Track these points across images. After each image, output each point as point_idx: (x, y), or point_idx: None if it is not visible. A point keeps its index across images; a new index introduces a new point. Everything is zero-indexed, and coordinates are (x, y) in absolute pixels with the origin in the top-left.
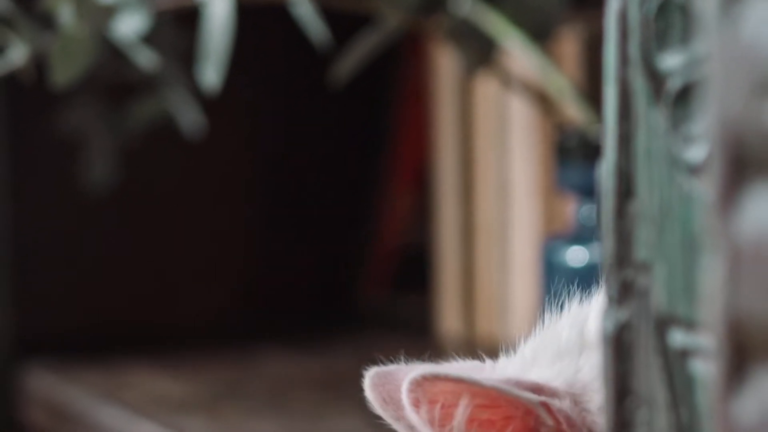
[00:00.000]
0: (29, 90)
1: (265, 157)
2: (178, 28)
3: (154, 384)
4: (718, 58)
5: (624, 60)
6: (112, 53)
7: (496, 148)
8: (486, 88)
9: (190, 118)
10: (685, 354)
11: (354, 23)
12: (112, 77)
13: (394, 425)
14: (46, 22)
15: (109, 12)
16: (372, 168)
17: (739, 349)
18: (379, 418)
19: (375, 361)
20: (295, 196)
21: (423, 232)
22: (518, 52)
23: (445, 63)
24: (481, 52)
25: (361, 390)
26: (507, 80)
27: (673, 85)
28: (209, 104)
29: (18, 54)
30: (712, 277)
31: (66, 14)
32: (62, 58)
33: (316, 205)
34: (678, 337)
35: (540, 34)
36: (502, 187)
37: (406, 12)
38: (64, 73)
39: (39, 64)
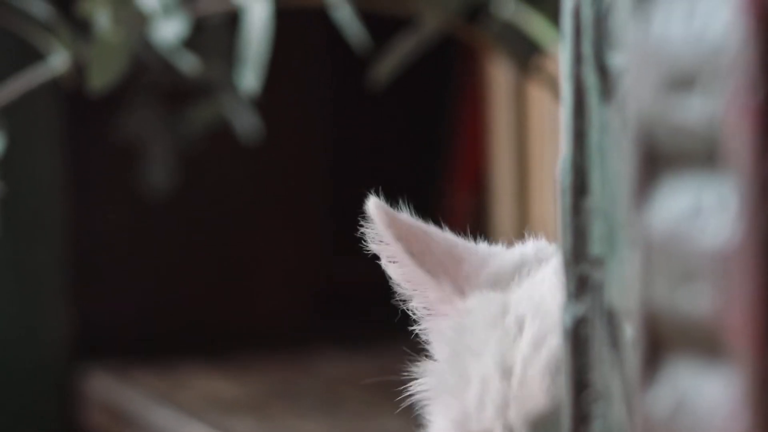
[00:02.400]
0: (88, 96)
1: (323, 163)
2: (233, 33)
3: (208, 385)
4: (631, 54)
5: (578, 58)
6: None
7: (550, 150)
8: (539, 92)
9: (246, 121)
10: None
11: (399, 25)
12: (169, 82)
13: (386, 247)
14: (88, 28)
15: (145, 18)
16: (431, 172)
17: (653, 339)
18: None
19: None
20: (352, 201)
21: (480, 233)
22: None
23: (500, 69)
24: (525, 55)
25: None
26: (553, 84)
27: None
28: (266, 108)
29: (60, 60)
30: (629, 270)
31: (102, 20)
32: (98, 63)
33: None
34: (629, 331)
35: None
36: (556, 188)
37: (446, 14)
38: (100, 78)
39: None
